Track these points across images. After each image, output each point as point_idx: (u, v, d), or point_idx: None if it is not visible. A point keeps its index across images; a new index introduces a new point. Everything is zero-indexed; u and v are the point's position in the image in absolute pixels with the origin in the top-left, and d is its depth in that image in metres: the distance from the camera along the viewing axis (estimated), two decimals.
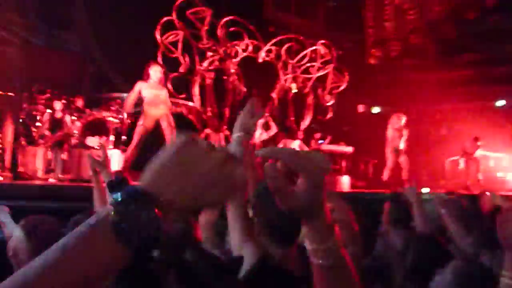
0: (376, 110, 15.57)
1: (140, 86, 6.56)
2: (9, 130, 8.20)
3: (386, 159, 8.56)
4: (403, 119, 8.49)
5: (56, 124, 7.86)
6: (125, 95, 10.87)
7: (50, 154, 7.73)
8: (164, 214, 0.52)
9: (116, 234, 0.50)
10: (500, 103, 14.65)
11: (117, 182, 0.55)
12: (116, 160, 8.81)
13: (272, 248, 1.42)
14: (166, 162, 0.55)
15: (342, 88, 9.29)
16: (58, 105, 8.08)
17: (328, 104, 9.20)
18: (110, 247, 0.50)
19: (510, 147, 11.70)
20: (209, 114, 7.38)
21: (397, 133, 8.43)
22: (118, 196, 0.52)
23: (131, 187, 0.53)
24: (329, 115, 9.32)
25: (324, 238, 0.68)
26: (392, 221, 2.90)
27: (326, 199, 0.69)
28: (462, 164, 10.37)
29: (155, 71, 6.56)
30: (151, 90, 6.52)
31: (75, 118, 8.37)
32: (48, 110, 8.33)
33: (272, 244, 1.42)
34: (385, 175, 8.47)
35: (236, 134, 1.46)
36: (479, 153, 9.67)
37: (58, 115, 7.96)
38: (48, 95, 9.10)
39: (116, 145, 9.04)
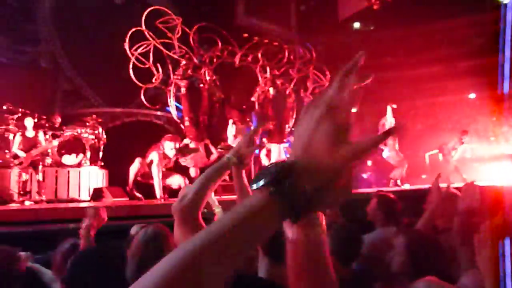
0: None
1: (153, 156, 6.39)
2: None
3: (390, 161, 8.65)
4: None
5: (29, 143, 7.48)
6: (99, 110, 10.68)
7: (24, 176, 7.37)
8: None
9: (283, 199, 0.55)
10: (472, 96, 15.03)
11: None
12: (95, 176, 8.58)
13: (277, 268, 1.40)
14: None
15: (324, 87, 9.33)
16: (29, 122, 7.54)
17: None
18: (274, 215, 0.56)
19: (484, 137, 11.98)
20: (187, 123, 7.24)
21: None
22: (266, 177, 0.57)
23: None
24: None
25: (313, 224, 0.69)
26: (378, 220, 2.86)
27: None
28: (441, 157, 10.53)
29: (171, 148, 6.38)
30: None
31: (50, 136, 8.06)
32: (14, 130, 7.98)
33: (275, 263, 1.41)
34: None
35: (228, 156, 1.48)
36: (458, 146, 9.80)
37: (30, 134, 7.52)
38: (19, 114, 8.79)
39: (93, 161, 8.80)
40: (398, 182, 8.52)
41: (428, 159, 11.65)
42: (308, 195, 0.56)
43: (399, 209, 3.00)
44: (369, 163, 11.73)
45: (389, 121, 8.90)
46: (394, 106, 8.97)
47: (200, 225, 1.34)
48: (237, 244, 0.54)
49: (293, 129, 9.32)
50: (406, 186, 8.52)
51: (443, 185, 2.81)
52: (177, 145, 6.39)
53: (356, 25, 17.47)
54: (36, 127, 7.65)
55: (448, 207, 2.54)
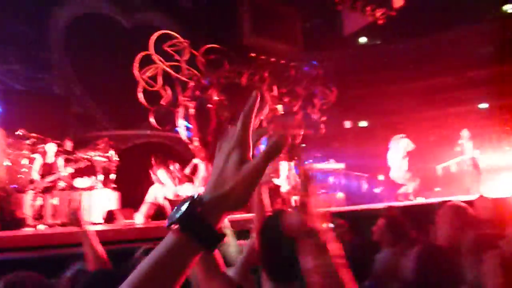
0: (363, 124, 15.69)
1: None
2: None
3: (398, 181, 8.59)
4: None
5: (47, 169, 7.55)
6: (110, 133, 10.83)
7: (39, 200, 7.44)
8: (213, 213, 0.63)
9: (191, 236, 0.61)
10: (483, 105, 14.88)
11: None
12: (107, 199, 8.66)
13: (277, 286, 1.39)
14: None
15: (331, 103, 9.34)
16: (52, 148, 7.59)
17: (321, 120, 9.21)
18: (187, 249, 0.62)
19: (498, 148, 11.78)
20: (196, 143, 7.31)
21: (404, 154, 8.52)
22: (177, 215, 0.63)
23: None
24: (322, 131, 9.31)
25: (318, 255, 0.75)
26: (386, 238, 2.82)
27: (320, 219, 0.77)
28: (454, 168, 10.37)
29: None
30: None
31: (65, 161, 8.10)
32: (35, 155, 8.08)
33: (276, 281, 1.40)
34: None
35: None
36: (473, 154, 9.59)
37: (51, 159, 7.53)
38: (33, 139, 8.98)
39: (105, 184, 8.89)
40: (411, 197, 8.40)
41: (441, 171, 11.49)
42: (213, 228, 0.62)
43: (406, 228, 2.95)
44: (381, 177, 11.61)
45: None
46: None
47: None
48: (158, 281, 0.60)
49: (302, 145, 9.32)
50: (420, 200, 8.40)
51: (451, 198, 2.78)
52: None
53: (362, 39, 17.59)
54: (56, 153, 7.70)
55: (455, 221, 2.51)
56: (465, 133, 9.51)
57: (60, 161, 7.69)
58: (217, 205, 0.63)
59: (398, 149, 8.55)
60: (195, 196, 0.65)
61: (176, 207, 0.65)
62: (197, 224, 0.62)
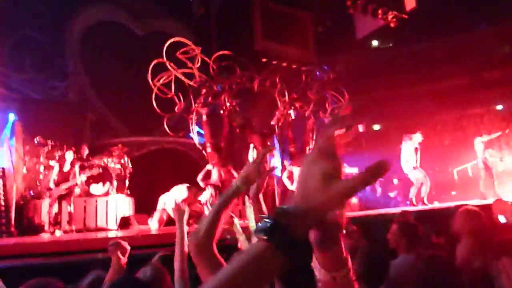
0: (376, 127, 15.58)
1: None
2: (13, 185, 8.19)
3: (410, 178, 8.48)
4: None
5: (63, 176, 7.52)
6: (125, 139, 10.97)
7: (56, 207, 7.53)
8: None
9: (277, 247, 0.62)
10: (499, 107, 14.63)
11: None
12: (122, 205, 8.77)
13: None
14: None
15: (343, 108, 9.30)
16: (69, 156, 7.63)
17: None
18: (271, 260, 0.63)
19: None
20: (209, 149, 7.36)
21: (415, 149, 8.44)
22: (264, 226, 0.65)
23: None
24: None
25: (339, 266, 0.74)
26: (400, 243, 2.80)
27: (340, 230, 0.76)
28: (470, 172, 10.21)
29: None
30: None
31: (80, 168, 8.18)
32: (52, 163, 8.18)
33: None
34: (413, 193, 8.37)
35: (237, 184, 1.51)
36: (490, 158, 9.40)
37: (67, 167, 7.57)
38: (49, 147, 9.16)
39: (120, 190, 9.01)
40: (425, 200, 8.28)
41: (456, 175, 11.33)
42: (299, 241, 0.63)
43: (421, 233, 2.92)
44: (396, 181, 11.50)
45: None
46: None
47: (214, 255, 1.38)
48: (239, 286, 0.62)
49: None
50: (435, 205, 8.28)
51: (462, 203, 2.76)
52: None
53: (375, 43, 17.50)
54: (73, 160, 7.80)
55: (467, 226, 2.49)
56: (481, 136, 9.36)
57: (77, 169, 7.79)
58: (303, 218, 0.64)
59: (410, 145, 8.46)
60: (283, 208, 0.66)
61: (264, 217, 0.66)
62: (283, 236, 0.63)
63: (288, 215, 0.64)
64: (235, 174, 7.40)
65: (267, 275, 0.64)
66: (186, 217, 2.28)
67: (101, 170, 8.50)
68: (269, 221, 0.64)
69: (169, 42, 7.52)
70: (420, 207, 7.77)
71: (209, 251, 1.37)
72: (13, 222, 7.75)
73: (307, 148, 8.55)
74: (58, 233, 7.10)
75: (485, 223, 2.66)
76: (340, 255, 0.75)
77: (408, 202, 8.44)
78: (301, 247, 0.64)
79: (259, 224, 0.66)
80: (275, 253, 0.62)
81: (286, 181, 8.21)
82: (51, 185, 7.40)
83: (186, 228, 2.28)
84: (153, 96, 7.11)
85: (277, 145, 9.77)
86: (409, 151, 8.42)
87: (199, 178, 7.23)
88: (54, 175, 7.47)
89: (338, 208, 0.67)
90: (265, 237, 0.63)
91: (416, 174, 8.33)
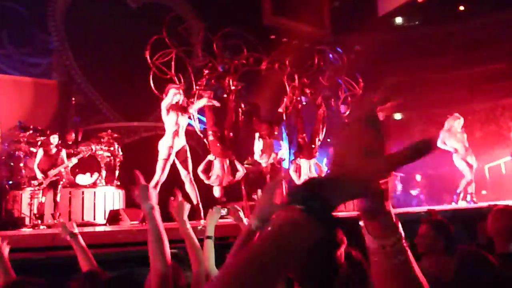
0: (398, 116, 15.58)
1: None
2: None
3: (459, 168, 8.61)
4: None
5: (50, 162, 7.59)
6: (115, 124, 10.99)
7: (40, 198, 7.59)
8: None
9: (315, 218, 0.67)
10: None
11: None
12: (111, 197, 8.87)
13: None
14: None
15: (357, 95, 9.27)
16: (55, 140, 7.71)
17: (346, 114, 9.14)
18: (306, 230, 0.67)
19: None
20: (211, 138, 7.39)
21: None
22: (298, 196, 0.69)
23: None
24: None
25: (388, 233, 0.79)
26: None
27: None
28: (503, 168, 10.24)
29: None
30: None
31: (68, 157, 8.19)
32: (35, 149, 8.20)
33: None
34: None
35: (254, 224, 1.59)
36: None
37: (53, 151, 7.67)
38: (31, 131, 9.20)
39: (109, 181, 9.08)
40: (468, 197, 8.37)
41: (488, 172, 11.35)
42: (332, 210, 0.69)
43: (454, 234, 2.92)
44: (418, 178, 11.56)
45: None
46: None
47: None
48: (278, 257, 0.67)
49: (328, 140, 9.32)
50: (462, 204, 8.34)
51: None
52: None
53: (398, 20, 17.38)
54: (58, 144, 7.82)
55: (502, 226, 2.56)
56: None
57: (64, 154, 7.85)
58: (341, 190, 0.70)
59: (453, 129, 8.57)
60: (319, 178, 0.72)
61: (297, 187, 0.71)
62: (322, 206, 0.68)
63: (325, 185, 0.70)
64: (238, 166, 7.44)
65: (302, 247, 0.68)
66: (187, 213, 2.39)
67: (87, 157, 8.58)
68: (305, 191, 0.69)
69: (169, 16, 7.50)
70: (446, 206, 7.83)
71: None
72: None
73: (316, 139, 8.56)
74: (42, 227, 7.18)
75: None
76: (389, 222, 0.79)
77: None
78: (334, 218, 0.69)
79: (293, 193, 0.71)
80: (312, 223, 0.67)
81: (293, 175, 8.27)
82: (36, 172, 7.47)
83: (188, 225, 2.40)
84: (151, 76, 7.12)
85: (284, 134, 9.79)
86: (451, 137, 8.51)
87: (200, 169, 7.26)
88: (37, 161, 7.54)
89: (372, 184, 0.72)
90: (301, 207, 0.68)
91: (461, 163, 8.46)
